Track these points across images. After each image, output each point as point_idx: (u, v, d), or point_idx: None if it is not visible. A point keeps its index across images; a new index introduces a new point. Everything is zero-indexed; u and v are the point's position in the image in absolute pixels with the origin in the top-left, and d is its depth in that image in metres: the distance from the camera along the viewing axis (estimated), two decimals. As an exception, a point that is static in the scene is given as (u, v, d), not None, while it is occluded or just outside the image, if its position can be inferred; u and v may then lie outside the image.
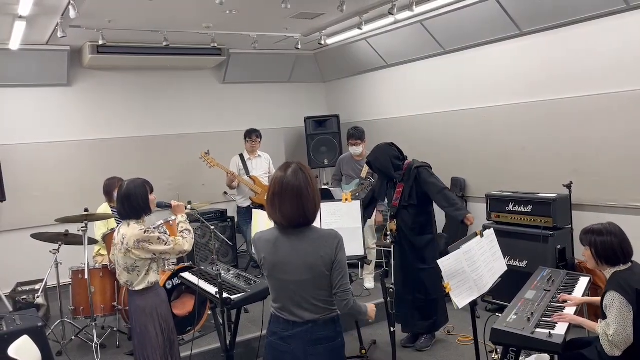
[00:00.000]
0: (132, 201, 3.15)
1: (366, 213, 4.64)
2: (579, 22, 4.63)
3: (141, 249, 3.08)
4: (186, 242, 3.24)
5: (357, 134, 5.45)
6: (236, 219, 6.55)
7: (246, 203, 6.04)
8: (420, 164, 4.26)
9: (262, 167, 6.17)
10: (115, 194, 4.91)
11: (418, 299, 4.29)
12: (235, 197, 6.19)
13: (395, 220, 4.32)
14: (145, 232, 3.09)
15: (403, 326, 4.46)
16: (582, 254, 3.00)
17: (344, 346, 2.39)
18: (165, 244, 3.13)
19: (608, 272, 2.83)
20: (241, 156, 6.12)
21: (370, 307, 2.46)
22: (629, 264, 2.82)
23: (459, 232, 5.49)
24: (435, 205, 4.30)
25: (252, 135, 6.10)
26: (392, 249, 4.68)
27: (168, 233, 3.43)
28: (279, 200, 2.27)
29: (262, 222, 4.12)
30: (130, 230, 3.11)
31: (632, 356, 2.66)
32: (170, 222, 3.97)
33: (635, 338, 2.62)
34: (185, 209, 3.62)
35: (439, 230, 4.70)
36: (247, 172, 6.04)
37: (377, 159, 4.33)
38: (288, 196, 2.25)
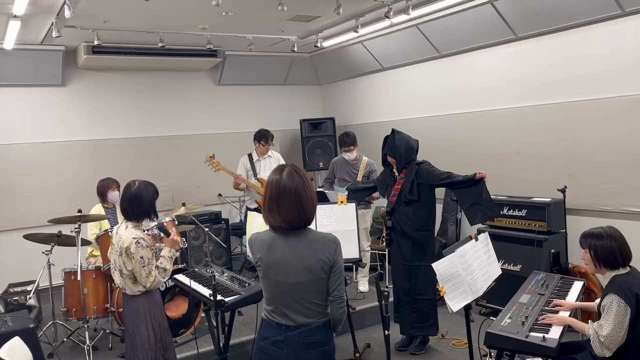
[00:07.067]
0: (141, 202, 3.14)
1: (357, 195, 4.65)
2: (574, 28, 4.65)
3: (127, 257, 3.08)
4: (155, 280, 3.10)
5: (349, 141, 5.42)
6: (242, 220, 6.42)
7: (253, 205, 5.80)
8: (420, 161, 4.31)
9: (272, 168, 5.99)
10: (110, 195, 4.93)
11: (415, 299, 4.25)
12: (245, 198, 6.08)
13: (390, 215, 4.30)
14: (136, 242, 3.05)
15: (401, 328, 4.43)
16: (581, 257, 2.99)
17: (334, 351, 2.37)
18: (143, 267, 3.05)
19: (607, 276, 2.84)
20: (250, 156, 5.86)
21: None
22: (628, 269, 2.83)
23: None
24: (434, 207, 4.31)
25: (267, 139, 5.75)
26: (386, 252, 4.67)
27: (162, 235, 3.41)
28: (277, 204, 2.25)
29: (256, 224, 4.10)
30: (126, 234, 3.10)
31: (622, 356, 2.67)
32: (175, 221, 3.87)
33: (628, 340, 2.63)
34: (175, 222, 3.50)
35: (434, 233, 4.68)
36: (255, 174, 5.81)
37: (395, 141, 4.27)
38: (286, 199, 2.23)
